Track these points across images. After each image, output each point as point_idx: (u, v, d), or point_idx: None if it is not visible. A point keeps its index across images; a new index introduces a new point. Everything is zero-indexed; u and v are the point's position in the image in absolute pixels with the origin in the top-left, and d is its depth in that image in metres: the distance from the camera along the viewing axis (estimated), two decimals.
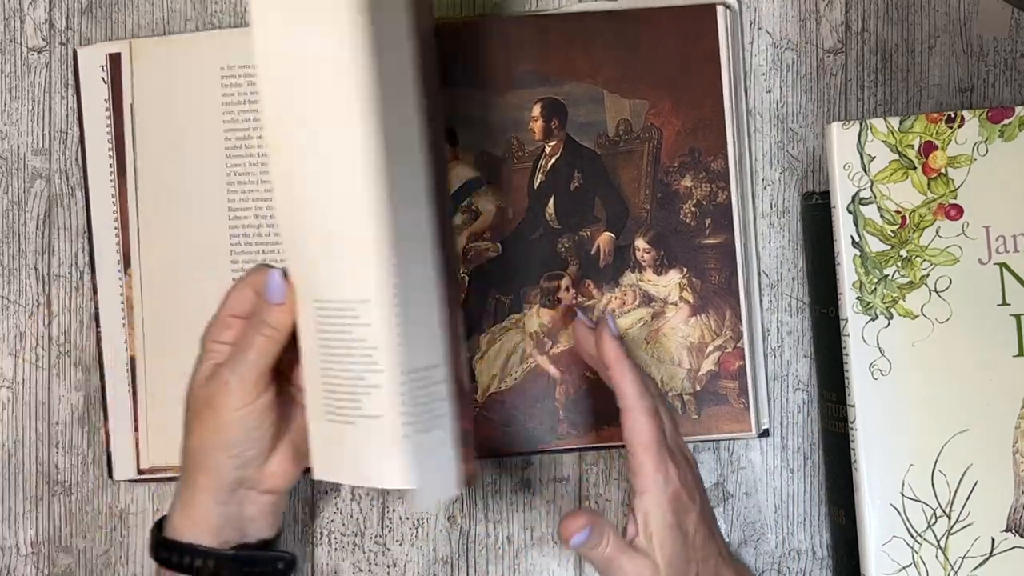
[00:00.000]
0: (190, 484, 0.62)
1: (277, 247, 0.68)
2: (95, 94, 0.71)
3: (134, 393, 0.71)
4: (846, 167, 0.64)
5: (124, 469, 0.71)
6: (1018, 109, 0.63)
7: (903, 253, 0.63)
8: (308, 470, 0.62)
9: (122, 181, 0.69)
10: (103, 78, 0.71)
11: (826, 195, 0.65)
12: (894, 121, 0.63)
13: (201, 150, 0.69)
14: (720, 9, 0.69)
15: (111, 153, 0.71)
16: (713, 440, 0.71)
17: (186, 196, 0.70)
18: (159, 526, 0.63)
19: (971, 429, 0.62)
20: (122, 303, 0.71)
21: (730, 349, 0.70)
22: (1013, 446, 0.62)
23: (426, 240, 0.59)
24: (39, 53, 0.74)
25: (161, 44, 0.70)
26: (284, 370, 0.63)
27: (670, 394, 0.70)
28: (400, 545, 0.73)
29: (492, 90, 0.70)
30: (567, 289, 0.70)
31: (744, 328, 0.69)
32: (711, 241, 0.70)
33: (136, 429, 0.70)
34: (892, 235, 0.63)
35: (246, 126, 0.69)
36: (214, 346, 0.61)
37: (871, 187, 0.63)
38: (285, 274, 0.61)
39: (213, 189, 0.69)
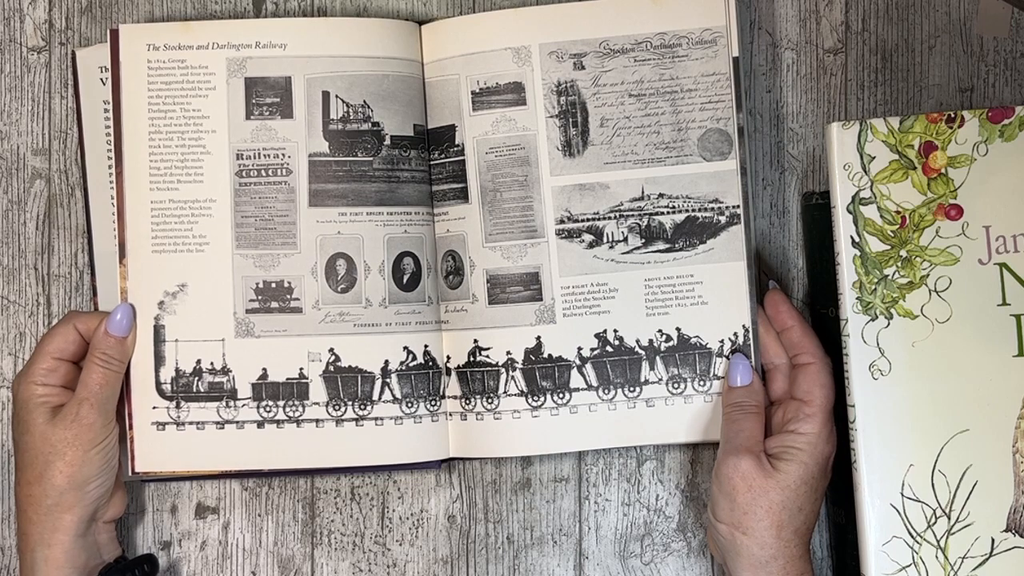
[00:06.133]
0: (51, 529, 0.64)
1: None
2: (94, 94, 0.71)
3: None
4: (846, 167, 0.64)
5: (123, 469, 0.71)
6: (1018, 109, 0.63)
7: (903, 253, 0.63)
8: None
9: (120, 181, 0.69)
10: (102, 79, 0.71)
11: (826, 195, 0.65)
12: (894, 121, 0.63)
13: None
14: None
15: (110, 153, 0.70)
16: (715, 440, 0.70)
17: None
18: None
19: (971, 429, 0.62)
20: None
21: None
22: (1013, 446, 0.62)
23: None
24: (39, 53, 0.74)
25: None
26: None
27: None
28: (400, 545, 0.73)
29: None
30: None
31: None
32: None
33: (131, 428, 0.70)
34: (892, 235, 0.63)
35: None
36: (43, 390, 0.65)
37: (871, 187, 0.63)
38: (133, 308, 0.67)
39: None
